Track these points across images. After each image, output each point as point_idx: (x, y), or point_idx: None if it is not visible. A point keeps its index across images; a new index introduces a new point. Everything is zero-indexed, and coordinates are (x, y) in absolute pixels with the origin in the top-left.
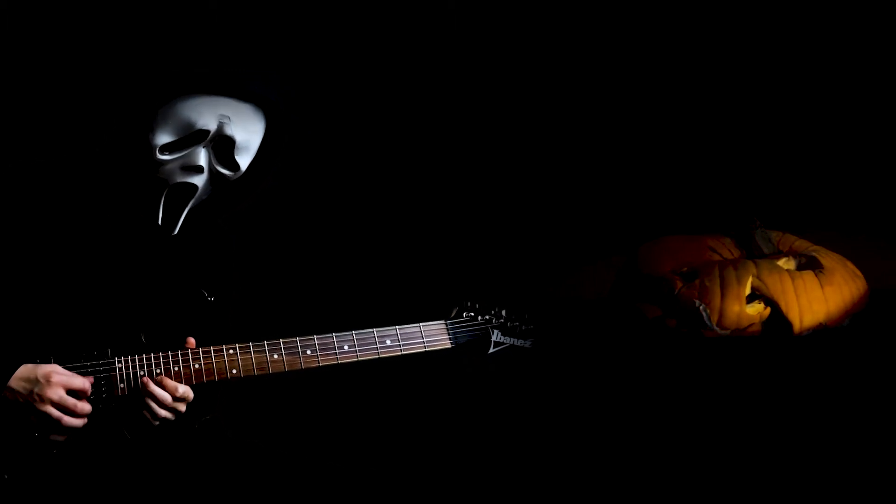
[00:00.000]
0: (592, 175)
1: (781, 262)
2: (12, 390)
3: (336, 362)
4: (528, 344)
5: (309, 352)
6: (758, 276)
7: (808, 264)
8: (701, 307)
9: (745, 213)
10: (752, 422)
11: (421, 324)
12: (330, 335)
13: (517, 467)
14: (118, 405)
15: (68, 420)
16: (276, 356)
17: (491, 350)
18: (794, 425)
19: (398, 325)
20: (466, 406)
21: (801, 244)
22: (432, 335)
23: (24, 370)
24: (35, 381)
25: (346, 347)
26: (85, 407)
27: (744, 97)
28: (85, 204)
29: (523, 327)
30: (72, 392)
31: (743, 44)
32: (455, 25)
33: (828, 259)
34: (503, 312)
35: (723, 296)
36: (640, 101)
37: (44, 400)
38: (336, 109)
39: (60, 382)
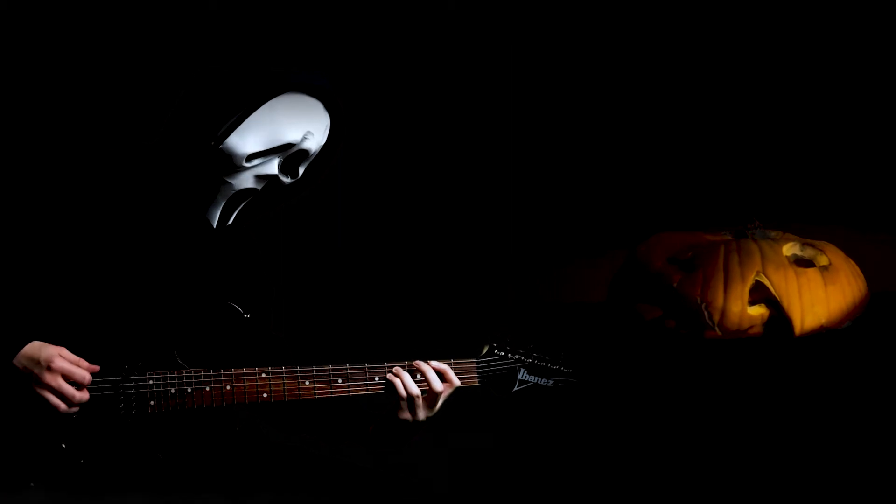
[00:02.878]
0: (592, 174)
1: (786, 248)
2: (17, 367)
3: (365, 392)
4: (550, 383)
5: (341, 380)
6: (763, 272)
7: (814, 258)
8: (703, 305)
9: (744, 212)
10: (752, 424)
11: (452, 360)
12: (363, 366)
13: (516, 467)
14: (152, 424)
15: (64, 408)
16: (307, 383)
17: (515, 388)
18: (794, 428)
19: (426, 359)
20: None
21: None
22: (462, 372)
23: (32, 348)
24: (36, 363)
25: (376, 379)
26: (83, 396)
27: (743, 95)
28: (137, 215)
29: (549, 366)
30: (72, 380)
31: (742, 40)
32: (454, 25)
33: (833, 256)
34: (532, 352)
35: (726, 294)
36: (641, 100)
37: (42, 385)
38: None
39: (60, 370)
